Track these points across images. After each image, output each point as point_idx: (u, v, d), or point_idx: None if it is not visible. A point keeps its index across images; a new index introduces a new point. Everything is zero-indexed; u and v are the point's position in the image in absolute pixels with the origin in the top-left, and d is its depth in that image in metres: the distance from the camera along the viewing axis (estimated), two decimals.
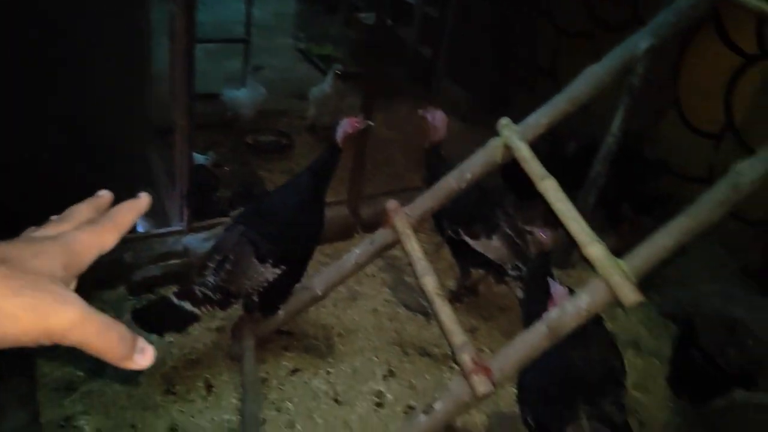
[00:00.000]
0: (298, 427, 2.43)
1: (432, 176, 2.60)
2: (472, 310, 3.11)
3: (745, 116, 3.31)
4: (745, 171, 1.78)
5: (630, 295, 1.71)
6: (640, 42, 2.21)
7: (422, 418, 1.96)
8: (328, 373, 2.68)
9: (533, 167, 2.09)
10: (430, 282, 2.18)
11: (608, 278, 1.75)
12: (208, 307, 2.26)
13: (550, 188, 2.01)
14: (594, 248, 1.82)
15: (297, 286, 2.50)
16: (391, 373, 2.72)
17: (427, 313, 2.97)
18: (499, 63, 4.70)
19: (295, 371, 2.65)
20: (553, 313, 1.84)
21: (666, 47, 3.50)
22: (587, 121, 3.28)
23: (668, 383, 2.66)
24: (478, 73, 4.72)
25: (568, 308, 1.82)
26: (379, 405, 2.58)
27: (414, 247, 2.30)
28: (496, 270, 2.73)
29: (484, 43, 4.70)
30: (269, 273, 2.31)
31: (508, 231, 2.73)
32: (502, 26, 4.66)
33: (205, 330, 2.75)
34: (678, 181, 3.57)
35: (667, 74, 3.60)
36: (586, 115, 3.31)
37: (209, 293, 2.25)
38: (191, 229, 3.02)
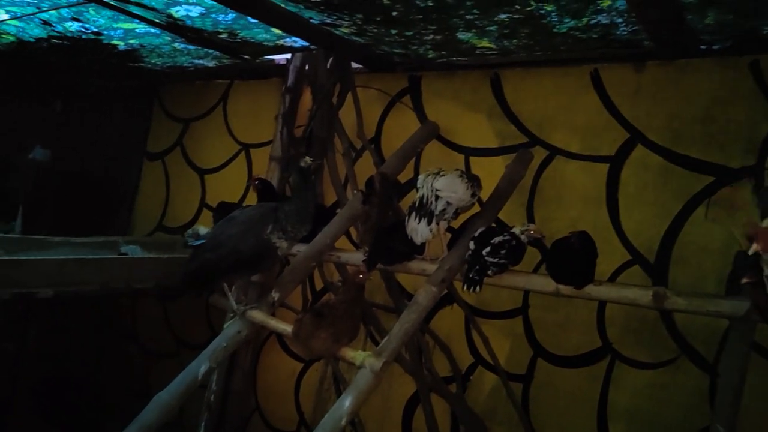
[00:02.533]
0: None
1: None
2: None
3: (310, 411, 3.87)
4: None
5: None
6: (200, 367, 2.59)
7: None
8: None
9: None
10: None
11: None
12: None
13: None
14: None
15: None
16: None
17: None
18: (90, 391, 4.66)
19: None
20: None
21: (243, 361, 4.04)
22: None
23: None
24: (68, 406, 4.57)
25: None
26: None
27: None
28: None
29: (72, 375, 4.65)
30: None
31: None
32: (91, 354, 4.72)
33: None
34: None
35: (246, 385, 4.05)
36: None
37: None
38: None
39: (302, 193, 2.59)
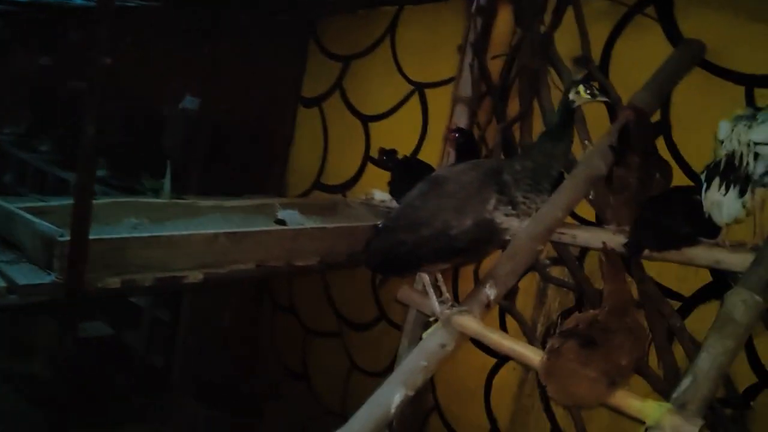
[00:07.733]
0: None
1: None
2: None
3: (507, 419, 3.11)
4: None
5: None
6: (393, 394, 1.84)
7: None
8: None
9: None
10: None
11: None
12: None
13: None
14: None
15: None
16: None
17: None
18: (245, 371, 4.21)
19: None
20: None
21: None
22: None
23: None
24: (220, 385, 4.15)
25: None
26: None
27: None
28: None
29: (224, 348, 4.23)
30: None
31: None
32: (244, 330, 4.27)
33: None
34: None
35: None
36: None
37: None
38: None
39: (552, 142, 1.71)
